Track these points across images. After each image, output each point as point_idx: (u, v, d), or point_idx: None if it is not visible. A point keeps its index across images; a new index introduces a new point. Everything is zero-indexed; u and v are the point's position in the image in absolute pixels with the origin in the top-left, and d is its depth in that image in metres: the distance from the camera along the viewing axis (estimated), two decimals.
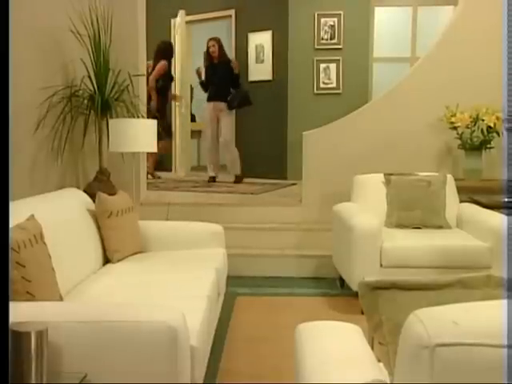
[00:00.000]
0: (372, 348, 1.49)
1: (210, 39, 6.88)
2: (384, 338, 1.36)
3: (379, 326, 1.37)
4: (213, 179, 6.98)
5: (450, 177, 4.48)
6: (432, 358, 1.00)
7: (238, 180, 6.89)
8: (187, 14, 7.98)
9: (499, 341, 0.98)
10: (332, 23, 7.15)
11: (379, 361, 1.43)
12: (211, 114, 6.94)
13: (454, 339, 1.00)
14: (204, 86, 7.02)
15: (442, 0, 7.04)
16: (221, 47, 6.84)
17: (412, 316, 1.07)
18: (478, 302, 1.14)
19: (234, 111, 7.01)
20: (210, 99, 6.96)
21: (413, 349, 1.04)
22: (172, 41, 7.77)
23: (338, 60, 7.17)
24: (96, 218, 3.20)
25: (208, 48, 6.86)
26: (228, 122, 6.93)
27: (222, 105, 6.83)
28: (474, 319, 1.04)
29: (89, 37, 4.41)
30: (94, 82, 4.45)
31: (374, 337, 1.43)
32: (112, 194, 3.43)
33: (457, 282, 1.34)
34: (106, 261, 3.21)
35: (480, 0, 5.08)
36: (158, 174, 7.47)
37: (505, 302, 1.08)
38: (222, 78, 6.81)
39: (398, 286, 1.36)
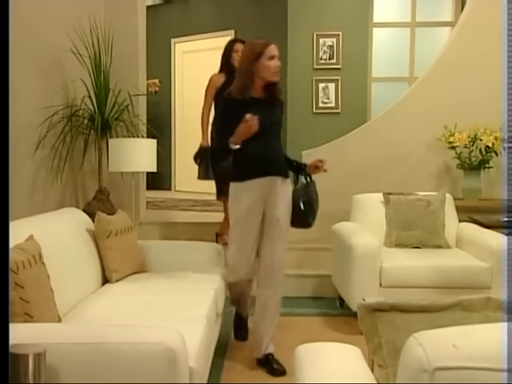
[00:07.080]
0: (372, 370, 1.48)
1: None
2: (384, 361, 1.36)
3: (379, 349, 1.36)
4: None
5: (449, 196, 4.48)
6: (432, 381, 1.00)
7: None
8: (186, 35, 8.03)
9: (499, 364, 0.97)
10: (331, 43, 7.20)
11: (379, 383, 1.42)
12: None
13: (454, 363, 0.99)
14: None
15: (440, 22, 7.11)
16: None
17: (411, 339, 1.06)
18: (478, 324, 1.13)
19: None
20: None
21: (412, 372, 1.03)
22: (172, 64, 7.74)
23: (337, 80, 7.21)
24: (95, 237, 3.20)
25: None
26: None
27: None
28: (473, 342, 1.03)
29: (89, 57, 4.44)
30: (95, 102, 4.48)
31: (374, 359, 1.42)
32: (111, 213, 3.43)
33: (456, 304, 1.33)
34: (105, 280, 3.20)
35: (477, 21, 5.12)
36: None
37: (505, 324, 1.08)
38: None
39: (397, 308, 1.36)
